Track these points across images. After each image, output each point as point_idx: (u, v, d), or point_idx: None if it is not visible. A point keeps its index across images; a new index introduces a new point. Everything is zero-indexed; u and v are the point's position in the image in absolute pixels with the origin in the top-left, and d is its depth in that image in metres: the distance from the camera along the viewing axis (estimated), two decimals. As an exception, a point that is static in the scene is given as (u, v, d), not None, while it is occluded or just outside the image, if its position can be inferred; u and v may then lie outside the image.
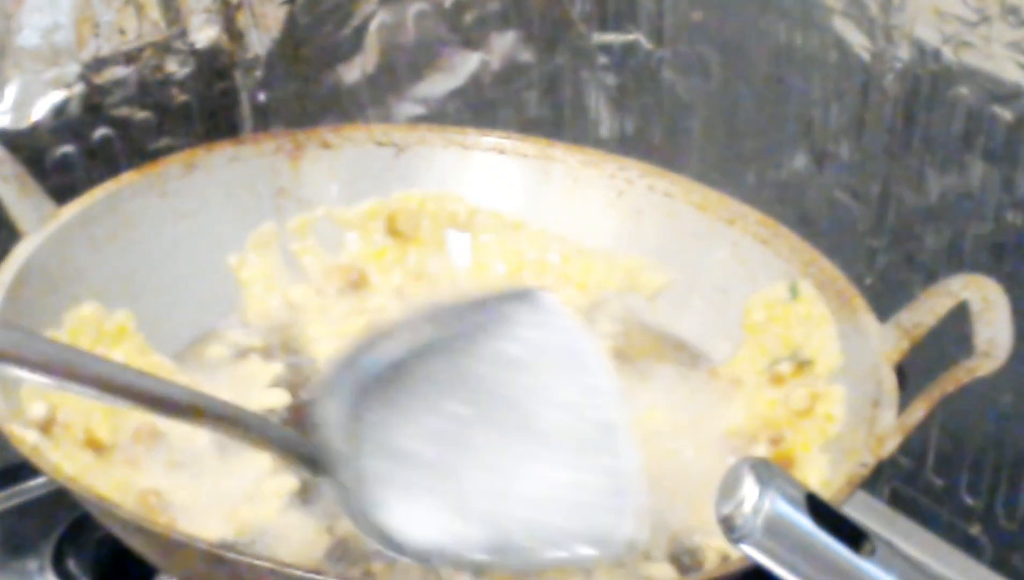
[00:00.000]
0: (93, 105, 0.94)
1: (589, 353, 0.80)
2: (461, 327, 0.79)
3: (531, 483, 0.75)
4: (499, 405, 0.77)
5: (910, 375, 0.80)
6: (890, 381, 0.79)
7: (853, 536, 0.56)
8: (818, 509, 0.56)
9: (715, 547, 0.77)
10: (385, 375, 0.76)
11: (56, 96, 0.92)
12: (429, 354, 0.77)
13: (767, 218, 0.90)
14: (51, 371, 0.67)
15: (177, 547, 0.70)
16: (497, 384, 0.77)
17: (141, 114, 0.96)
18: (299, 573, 0.68)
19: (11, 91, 0.91)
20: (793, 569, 0.56)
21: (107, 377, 0.69)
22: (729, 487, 0.56)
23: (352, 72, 1.03)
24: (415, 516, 0.73)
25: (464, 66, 1.08)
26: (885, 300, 0.86)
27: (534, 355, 0.78)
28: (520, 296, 0.81)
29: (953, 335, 0.80)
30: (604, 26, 1.10)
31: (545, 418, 0.77)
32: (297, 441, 0.74)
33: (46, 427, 0.76)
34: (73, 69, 0.93)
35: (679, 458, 0.83)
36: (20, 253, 0.83)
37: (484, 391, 0.77)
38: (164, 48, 0.95)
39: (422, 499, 0.73)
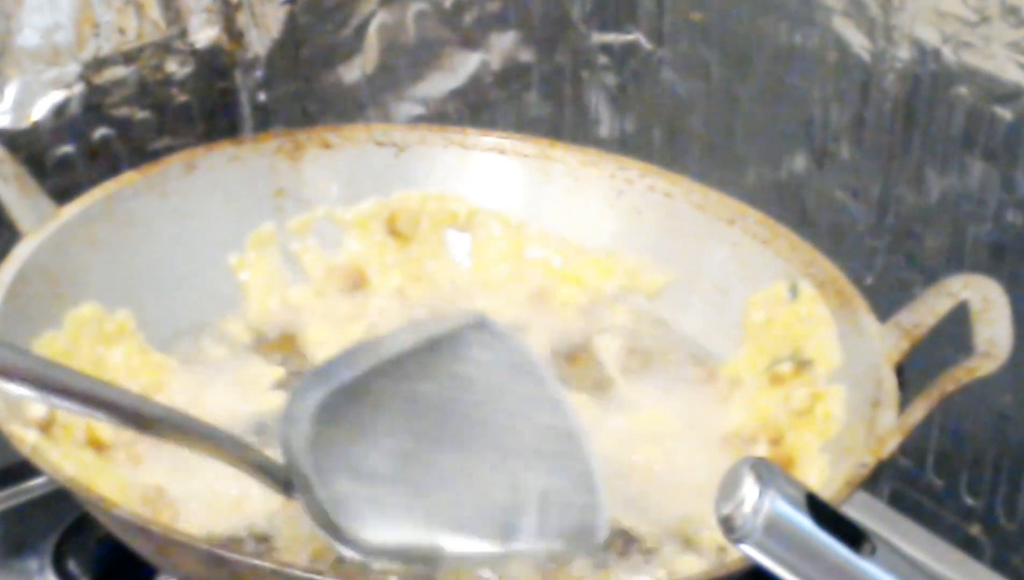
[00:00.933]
0: (93, 105, 0.94)
1: (538, 369, 0.83)
2: (411, 349, 0.81)
3: (498, 490, 0.77)
4: (457, 421, 0.79)
5: (910, 375, 0.80)
6: (890, 381, 0.79)
7: (853, 536, 0.56)
8: (818, 509, 0.56)
9: (715, 547, 0.77)
10: (342, 398, 0.78)
11: (56, 96, 0.92)
12: (382, 377, 0.79)
13: (767, 218, 0.90)
14: (35, 387, 0.69)
15: (177, 547, 0.70)
16: (452, 402, 0.79)
17: (141, 114, 0.96)
18: (299, 573, 0.68)
19: (11, 91, 0.91)
20: (793, 569, 0.56)
21: (86, 393, 0.70)
22: (729, 487, 0.56)
23: (352, 72, 1.03)
24: (385, 530, 0.75)
25: (464, 66, 1.08)
26: (885, 300, 0.86)
27: (486, 374, 0.81)
28: (466, 321, 0.84)
29: (953, 335, 0.80)
30: (604, 26, 1.10)
31: (504, 431, 0.79)
32: (268, 463, 0.75)
33: (46, 427, 0.76)
34: (73, 69, 0.92)
35: (679, 458, 0.83)
36: (20, 253, 0.83)
37: (439, 409, 0.79)
38: (164, 48, 0.95)
39: (390, 513, 0.75)
